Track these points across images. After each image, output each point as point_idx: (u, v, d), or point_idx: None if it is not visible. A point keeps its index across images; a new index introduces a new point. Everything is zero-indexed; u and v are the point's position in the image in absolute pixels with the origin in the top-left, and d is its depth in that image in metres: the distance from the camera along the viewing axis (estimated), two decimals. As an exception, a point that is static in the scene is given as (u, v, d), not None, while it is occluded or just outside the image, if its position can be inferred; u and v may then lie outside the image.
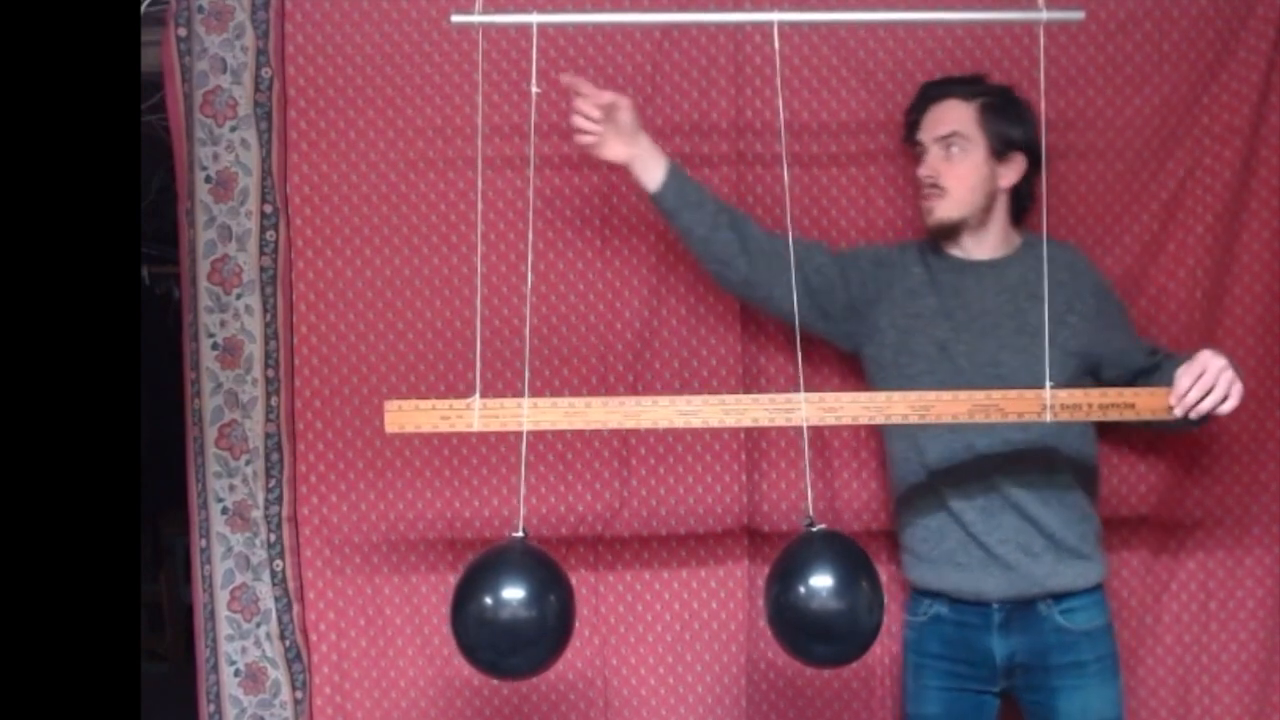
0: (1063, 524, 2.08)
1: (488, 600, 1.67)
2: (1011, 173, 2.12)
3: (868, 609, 1.68)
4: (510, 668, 1.73)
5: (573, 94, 2.00)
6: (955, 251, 2.15)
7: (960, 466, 2.07)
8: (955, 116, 2.10)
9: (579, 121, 2.00)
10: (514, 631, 1.67)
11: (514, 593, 1.66)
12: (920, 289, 2.13)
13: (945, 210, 2.10)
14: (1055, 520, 2.07)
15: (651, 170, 2.06)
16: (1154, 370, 2.11)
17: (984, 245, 2.14)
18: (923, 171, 2.12)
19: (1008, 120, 2.10)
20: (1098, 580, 2.12)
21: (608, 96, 2.01)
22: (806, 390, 1.84)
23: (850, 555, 1.71)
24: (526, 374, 1.94)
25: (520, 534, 1.73)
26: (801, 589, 1.66)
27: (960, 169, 2.09)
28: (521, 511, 1.77)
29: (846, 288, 2.14)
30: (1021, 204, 2.17)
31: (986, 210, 2.12)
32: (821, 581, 1.66)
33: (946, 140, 2.09)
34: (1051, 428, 1.97)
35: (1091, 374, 2.12)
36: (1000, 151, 2.10)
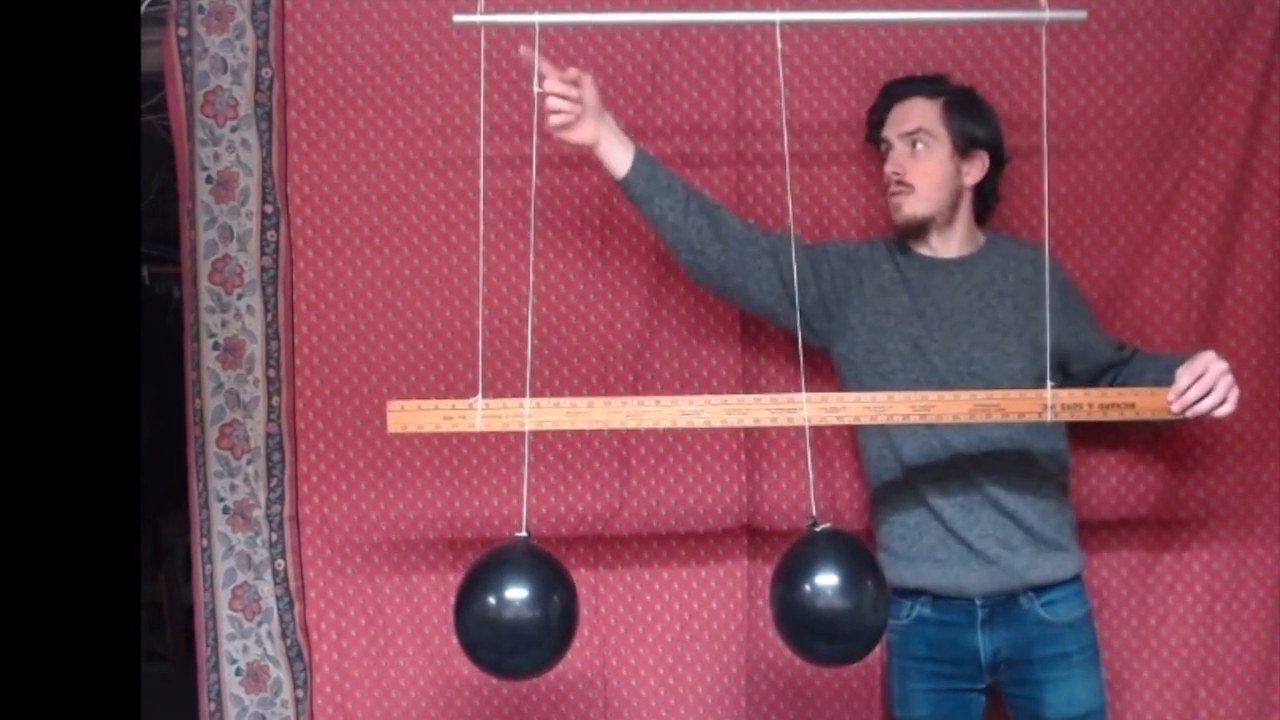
0: (1040, 517, 2.09)
1: (491, 600, 1.66)
2: (975, 170, 2.13)
3: (872, 608, 1.68)
4: (513, 667, 1.73)
5: (540, 76, 1.90)
6: (923, 250, 2.15)
7: (937, 464, 2.08)
8: (920, 113, 2.11)
9: (555, 102, 1.93)
10: (517, 631, 1.66)
11: (517, 592, 1.66)
12: (891, 287, 2.14)
13: (913, 207, 2.10)
14: (1033, 514, 2.08)
15: (619, 153, 2.01)
16: (1124, 364, 2.12)
17: (950, 244, 2.15)
18: (889, 168, 2.13)
19: (971, 118, 2.11)
20: (1076, 571, 2.13)
21: (573, 72, 1.95)
22: (807, 391, 1.84)
23: (855, 554, 1.71)
24: (529, 374, 1.94)
25: (524, 534, 1.73)
26: (807, 588, 1.66)
27: (926, 165, 2.10)
28: (524, 511, 1.77)
29: (817, 282, 2.14)
30: (985, 203, 2.18)
31: (953, 208, 2.12)
32: (827, 580, 1.66)
33: (912, 136, 2.10)
34: (1025, 425, 1.98)
35: (1060, 369, 2.12)
36: (964, 149, 2.11)
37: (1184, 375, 1.92)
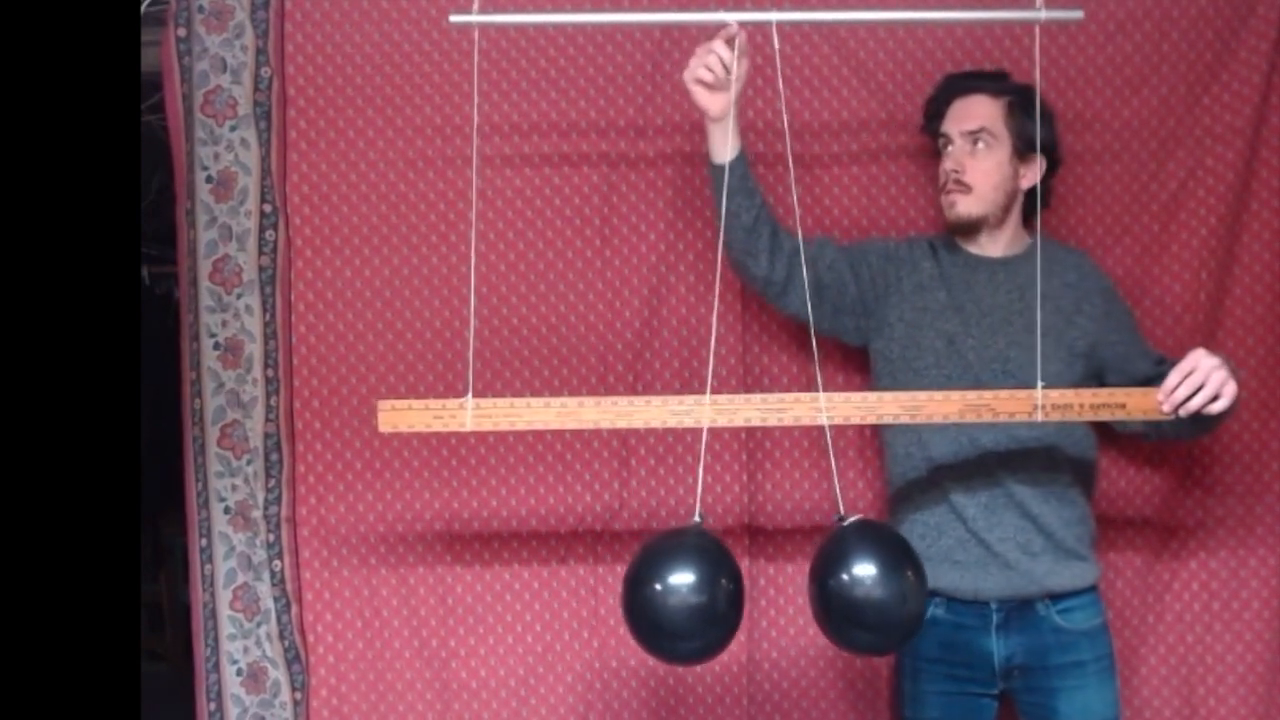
0: (1063, 524, 2.08)
1: (658, 587, 1.66)
2: (1032, 173, 2.11)
3: (913, 594, 1.69)
4: (685, 652, 1.73)
5: (723, 36, 1.89)
6: (969, 248, 2.15)
7: (965, 462, 2.07)
8: (983, 112, 2.09)
9: (712, 61, 1.90)
10: (693, 616, 1.66)
11: (697, 578, 1.66)
12: (930, 284, 2.13)
13: (967, 206, 2.10)
14: (1055, 520, 2.07)
15: (731, 139, 2.01)
16: (1159, 380, 2.10)
17: (998, 243, 2.14)
18: (948, 165, 2.11)
19: (1032, 120, 2.07)
20: (1093, 581, 2.12)
21: (746, 63, 1.94)
22: (804, 390, 1.84)
23: (891, 543, 1.72)
24: (715, 373, 1.87)
25: (698, 520, 1.72)
26: (845, 578, 1.66)
27: (985, 165, 2.08)
28: (699, 498, 1.76)
29: (856, 282, 2.14)
30: (1035, 206, 2.17)
31: (1006, 209, 2.11)
32: (867, 570, 1.66)
33: (974, 135, 2.09)
34: (1057, 426, 1.97)
35: (1097, 377, 2.11)
36: (1023, 151, 2.09)
37: (1173, 374, 1.90)
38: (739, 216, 2.05)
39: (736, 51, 1.88)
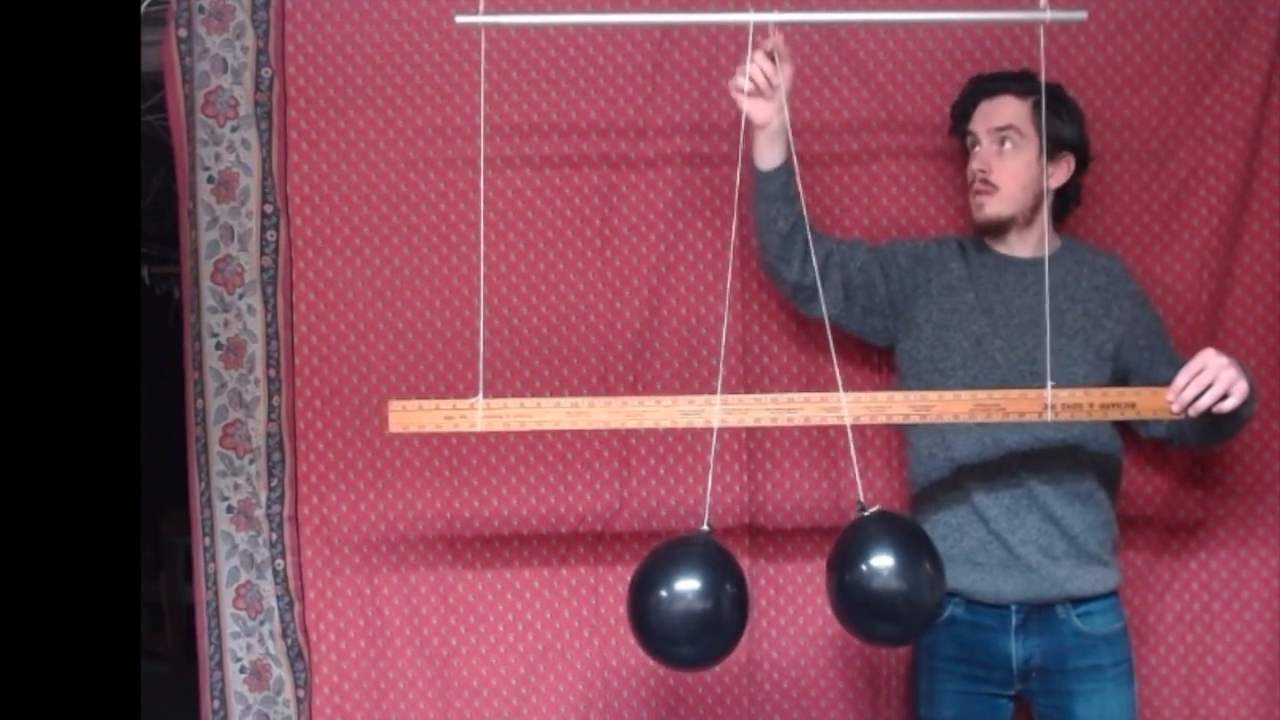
0: (1086, 528, 2.07)
1: (664, 593, 1.66)
2: (1060, 173, 2.11)
3: (930, 585, 1.68)
4: (688, 657, 1.74)
5: (764, 46, 1.92)
6: (998, 248, 2.14)
7: (988, 462, 2.06)
8: (1010, 111, 2.09)
9: (756, 71, 1.92)
10: (699, 621, 1.66)
11: (705, 584, 1.66)
12: (958, 284, 2.13)
13: (995, 207, 2.09)
14: (1079, 523, 2.07)
15: (777, 148, 2.02)
16: None
17: (1027, 244, 2.13)
18: (975, 165, 2.11)
19: (1060, 119, 2.08)
20: (1114, 586, 2.12)
21: (789, 68, 1.96)
22: (808, 390, 1.84)
23: (910, 533, 1.72)
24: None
25: (706, 528, 1.72)
26: (864, 568, 1.65)
27: (1013, 165, 2.08)
28: (708, 505, 1.76)
29: (886, 283, 2.15)
30: (1065, 205, 2.17)
31: (1034, 210, 2.11)
32: (887, 561, 1.65)
33: (1002, 134, 2.08)
34: (1082, 426, 1.96)
35: (1123, 383, 2.10)
36: (1051, 151, 2.08)
37: (1182, 374, 1.90)
38: (776, 223, 2.07)
39: (778, 58, 1.89)
